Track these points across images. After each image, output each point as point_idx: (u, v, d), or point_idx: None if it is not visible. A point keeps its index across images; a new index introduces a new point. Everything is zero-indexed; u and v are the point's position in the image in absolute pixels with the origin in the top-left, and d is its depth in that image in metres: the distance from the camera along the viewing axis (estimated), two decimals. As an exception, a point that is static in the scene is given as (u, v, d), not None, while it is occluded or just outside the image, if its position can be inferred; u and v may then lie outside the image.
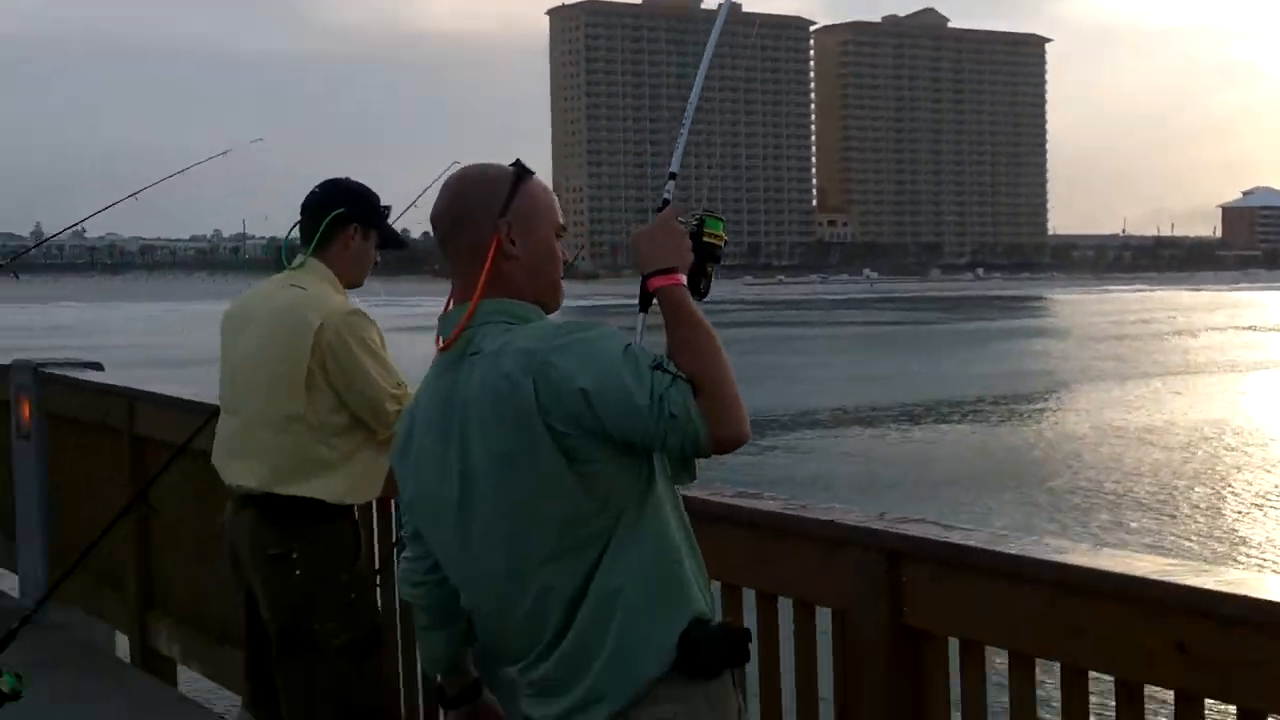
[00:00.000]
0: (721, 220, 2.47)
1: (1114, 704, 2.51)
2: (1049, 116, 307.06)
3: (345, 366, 3.81)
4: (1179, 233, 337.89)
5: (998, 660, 2.68)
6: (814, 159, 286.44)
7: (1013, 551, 2.69)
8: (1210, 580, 2.39)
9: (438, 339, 2.39)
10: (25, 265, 8.49)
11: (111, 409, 6.31)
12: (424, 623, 2.59)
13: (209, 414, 4.38)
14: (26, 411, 6.99)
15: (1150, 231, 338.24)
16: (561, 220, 2.44)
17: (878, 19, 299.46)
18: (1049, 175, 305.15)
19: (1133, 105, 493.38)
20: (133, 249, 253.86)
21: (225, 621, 5.09)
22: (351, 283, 4.02)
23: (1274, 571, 15.37)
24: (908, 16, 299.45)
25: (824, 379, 39.16)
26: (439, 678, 2.64)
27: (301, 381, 3.81)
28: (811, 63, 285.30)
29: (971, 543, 2.76)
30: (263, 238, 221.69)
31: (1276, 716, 2.38)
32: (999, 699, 2.67)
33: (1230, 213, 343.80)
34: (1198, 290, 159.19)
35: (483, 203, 2.38)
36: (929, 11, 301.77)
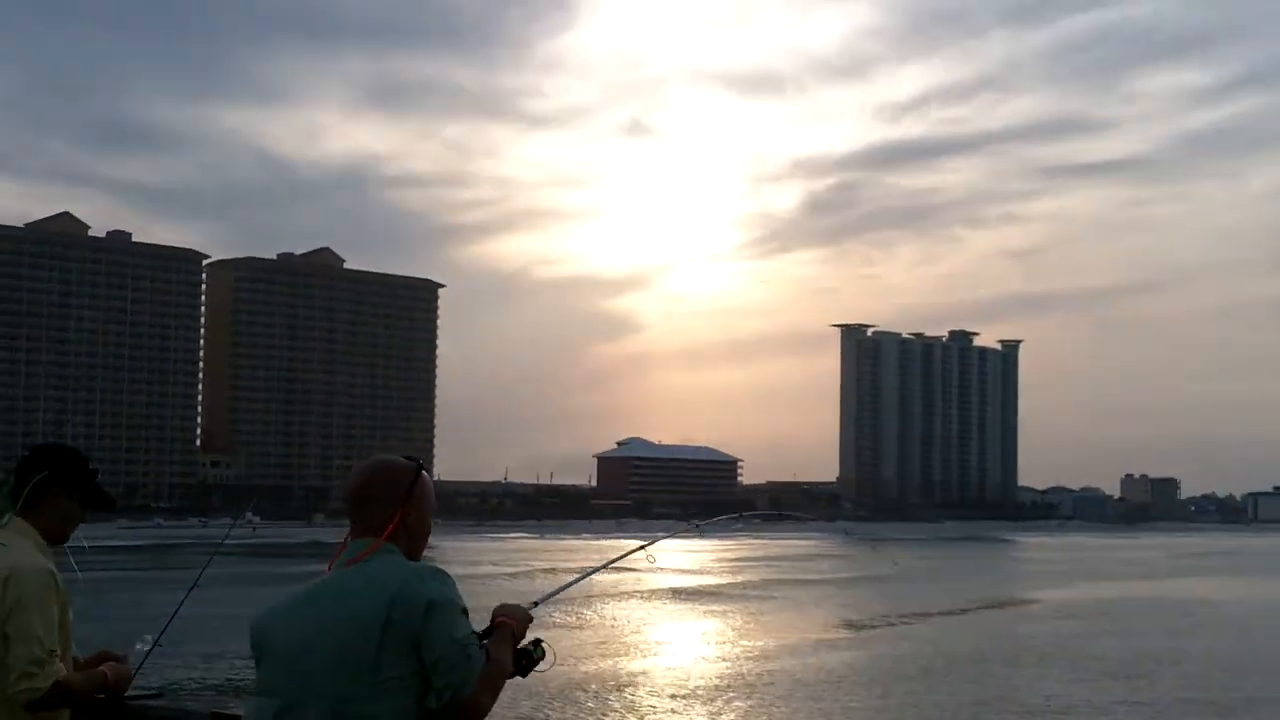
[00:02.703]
0: (543, 645, 3.97)
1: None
2: (440, 362, 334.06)
3: (15, 620, 4.57)
4: (559, 480, 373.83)
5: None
6: (200, 395, 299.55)
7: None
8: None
9: (332, 563, 3.84)
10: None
11: None
12: None
13: None
14: None
15: (531, 479, 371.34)
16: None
17: (273, 255, 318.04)
18: (437, 421, 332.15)
19: (517, 352, 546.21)
20: None
21: None
22: (55, 539, 4.89)
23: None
24: (303, 255, 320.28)
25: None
26: None
27: None
28: (203, 297, 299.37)
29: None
30: None
31: None
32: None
33: (605, 462, 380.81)
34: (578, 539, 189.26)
35: (394, 489, 3.86)
36: (325, 251, 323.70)
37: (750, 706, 32.68)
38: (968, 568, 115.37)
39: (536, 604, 4.27)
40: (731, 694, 34.59)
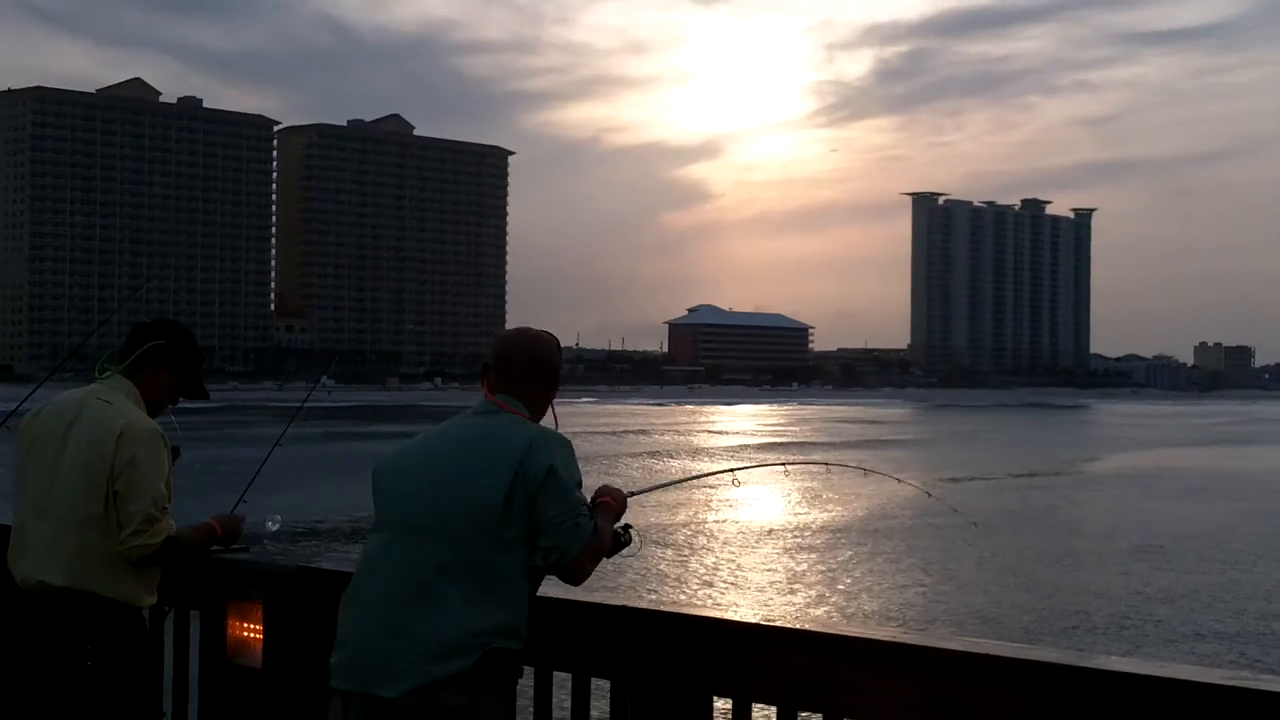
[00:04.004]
0: (631, 531, 4.20)
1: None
2: (510, 229, 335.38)
3: (128, 477, 4.64)
4: (629, 347, 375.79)
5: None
6: (274, 261, 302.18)
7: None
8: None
9: (484, 385, 4.12)
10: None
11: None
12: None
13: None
14: None
15: (603, 345, 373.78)
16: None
17: (344, 123, 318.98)
18: (508, 287, 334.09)
19: (588, 220, 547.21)
20: None
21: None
22: (149, 408, 4.91)
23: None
24: (373, 122, 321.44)
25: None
26: None
27: (104, 486, 4.65)
28: (275, 163, 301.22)
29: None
30: None
31: None
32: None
33: (676, 329, 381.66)
34: (648, 404, 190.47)
35: (544, 373, 4.16)
36: (395, 118, 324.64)
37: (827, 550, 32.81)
38: (1034, 435, 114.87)
39: (633, 494, 4.41)
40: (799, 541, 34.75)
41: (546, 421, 4.16)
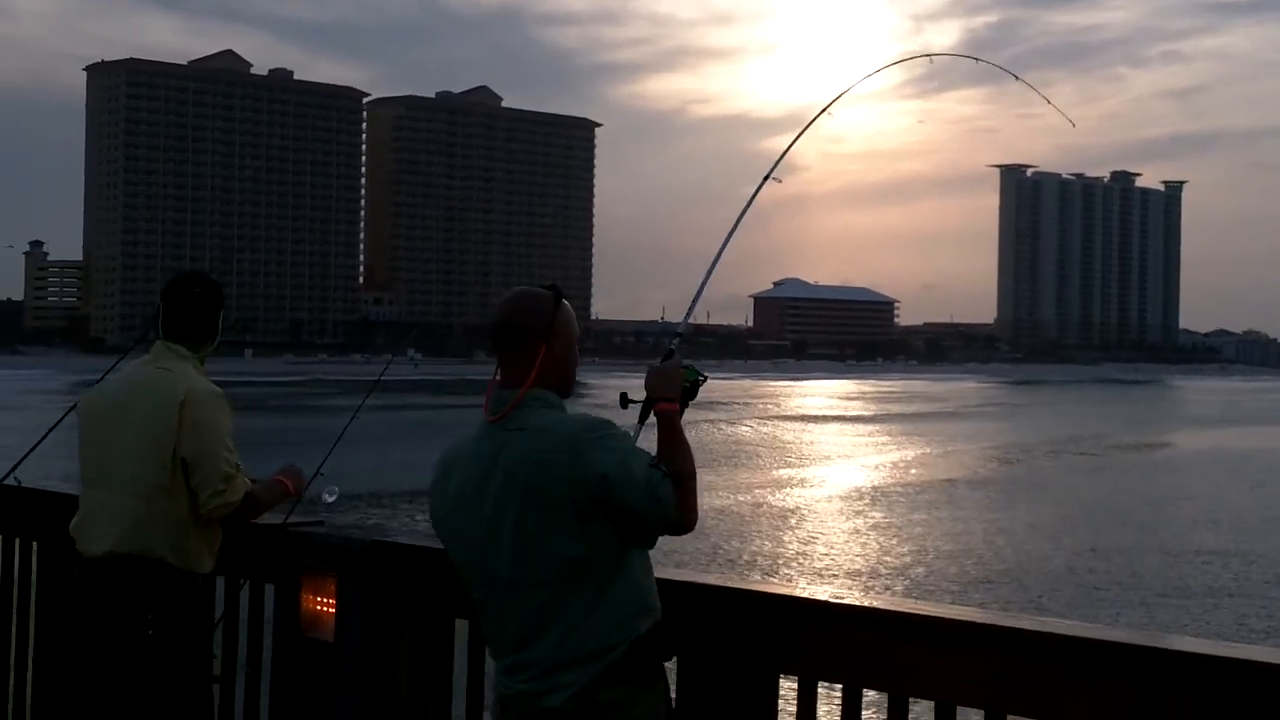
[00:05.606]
0: (698, 371, 3.85)
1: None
2: (596, 201, 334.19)
3: (197, 441, 4.75)
4: (715, 320, 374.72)
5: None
6: (362, 234, 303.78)
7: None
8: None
9: (486, 410, 3.67)
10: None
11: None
12: None
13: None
14: None
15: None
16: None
17: (432, 94, 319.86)
18: (594, 259, 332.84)
19: (674, 192, 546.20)
20: None
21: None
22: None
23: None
24: (461, 94, 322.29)
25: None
26: None
27: (169, 453, 4.75)
28: (364, 135, 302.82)
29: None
30: None
31: None
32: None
33: (761, 303, 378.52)
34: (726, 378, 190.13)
35: (536, 318, 3.71)
36: (483, 89, 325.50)
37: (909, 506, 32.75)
38: (1119, 410, 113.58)
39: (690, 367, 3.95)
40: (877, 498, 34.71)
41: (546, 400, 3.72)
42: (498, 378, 3.75)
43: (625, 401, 3.90)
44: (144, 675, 4.79)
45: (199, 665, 4.94)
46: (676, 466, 3.60)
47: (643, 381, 3.84)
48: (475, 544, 3.67)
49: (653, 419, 3.79)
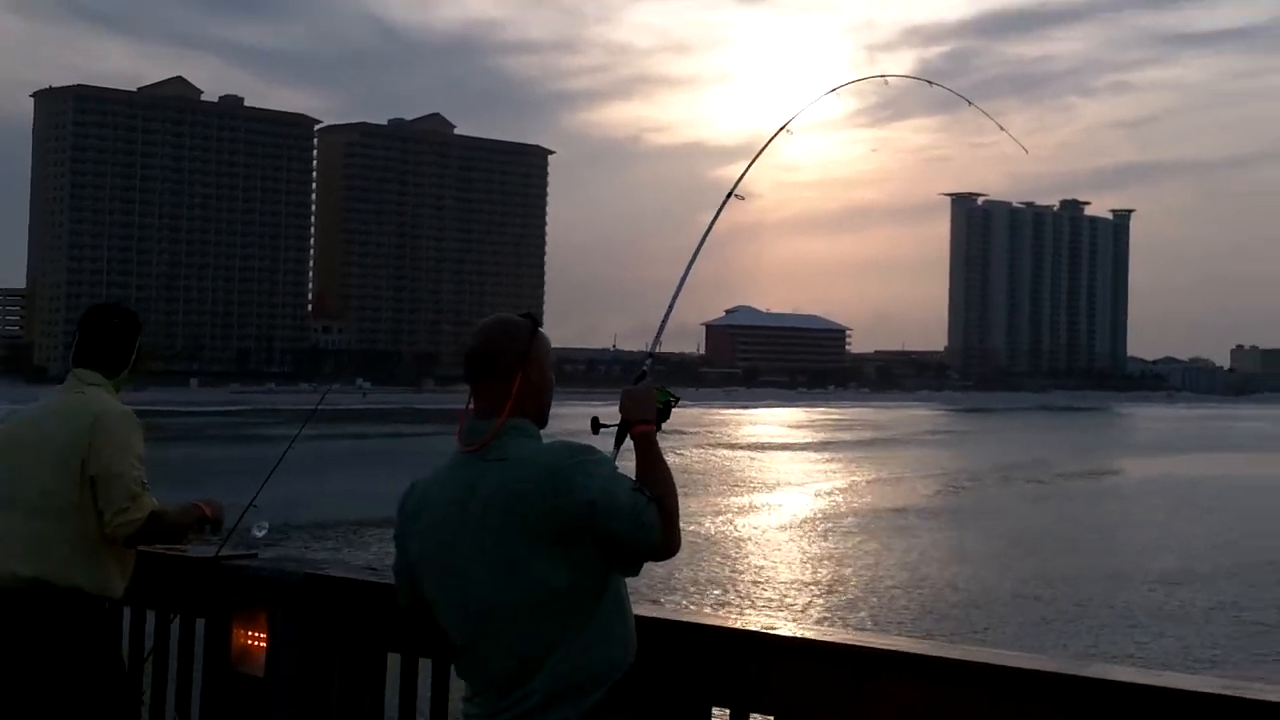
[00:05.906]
0: (670, 393, 3.83)
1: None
2: (549, 229, 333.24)
3: (107, 459, 4.73)
4: (667, 348, 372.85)
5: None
6: (312, 261, 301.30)
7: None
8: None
9: (459, 439, 3.61)
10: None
11: None
12: None
13: None
14: None
15: (640, 346, 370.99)
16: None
17: (384, 121, 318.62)
18: (547, 287, 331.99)
19: (627, 220, 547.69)
20: None
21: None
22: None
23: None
24: (414, 121, 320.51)
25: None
26: None
27: (79, 471, 4.73)
28: (315, 163, 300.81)
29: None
30: None
31: None
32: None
33: (713, 330, 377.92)
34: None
35: (513, 346, 3.64)
36: (435, 116, 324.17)
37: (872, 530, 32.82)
38: (1069, 438, 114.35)
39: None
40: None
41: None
42: (471, 407, 3.66)
43: (597, 426, 3.82)
44: (58, 706, 4.69)
45: (117, 695, 4.84)
46: (659, 489, 3.57)
47: (601, 409, 3.82)
48: (456, 577, 3.57)
49: (629, 443, 3.76)
